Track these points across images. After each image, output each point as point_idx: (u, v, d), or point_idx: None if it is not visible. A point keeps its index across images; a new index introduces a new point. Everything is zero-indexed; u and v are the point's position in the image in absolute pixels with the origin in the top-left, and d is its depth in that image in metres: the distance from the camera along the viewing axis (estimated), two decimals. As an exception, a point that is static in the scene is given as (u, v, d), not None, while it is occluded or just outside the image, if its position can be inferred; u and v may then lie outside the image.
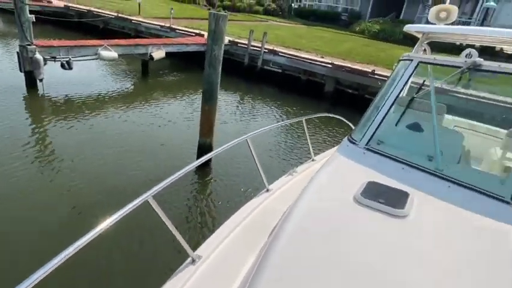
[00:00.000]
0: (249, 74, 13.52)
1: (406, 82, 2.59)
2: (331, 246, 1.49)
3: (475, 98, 9.36)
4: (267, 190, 2.74)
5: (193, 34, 15.33)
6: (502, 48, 3.36)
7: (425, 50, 3.54)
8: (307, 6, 33.96)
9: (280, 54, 13.08)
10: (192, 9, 25.60)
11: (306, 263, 1.42)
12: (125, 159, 6.00)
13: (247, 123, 9.13)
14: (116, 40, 11.01)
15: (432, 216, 1.73)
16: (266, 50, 13.17)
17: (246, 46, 13.53)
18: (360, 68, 11.81)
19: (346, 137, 2.55)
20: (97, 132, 7.03)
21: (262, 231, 2.15)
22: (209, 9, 28.33)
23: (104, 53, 9.51)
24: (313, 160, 3.49)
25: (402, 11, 27.08)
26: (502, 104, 9.24)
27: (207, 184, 5.62)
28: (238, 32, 16.86)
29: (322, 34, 20.71)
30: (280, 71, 13.22)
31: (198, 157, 5.90)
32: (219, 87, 5.57)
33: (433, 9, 3.03)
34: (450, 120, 4.68)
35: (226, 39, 14.09)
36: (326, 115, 4.01)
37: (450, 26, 2.80)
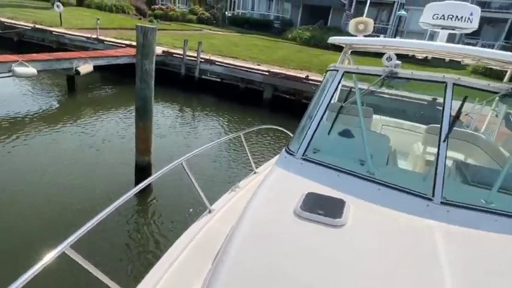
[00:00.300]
0: (186, 84, 13.25)
1: (335, 91, 2.73)
2: (274, 266, 1.48)
3: (399, 98, 10.37)
4: (209, 211, 2.67)
5: (124, 45, 14.58)
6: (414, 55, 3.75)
7: (349, 60, 3.78)
8: (240, 14, 34.56)
9: (217, 63, 13.06)
10: (122, 19, 24.37)
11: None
12: (53, 187, 5.41)
13: (188, 136, 8.91)
14: (34, 55, 9.96)
15: (366, 222, 1.82)
16: (203, 60, 13.05)
17: (181, 56, 13.25)
18: (295, 74, 12.31)
19: (284, 149, 2.59)
20: (15, 159, 6.25)
21: (207, 256, 2.07)
22: (140, 19, 27.27)
23: (20, 70, 8.53)
24: (255, 173, 3.49)
25: (329, 19, 29.05)
26: (421, 102, 10.38)
27: (147, 208, 5.31)
28: (172, 41, 16.47)
29: (257, 42, 21.19)
30: (218, 80, 13.20)
31: (137, 177, 5.56)
32: (154, 101, 5.33)
33: (352, 22, 3.26)
34: (378, 119, 5.07)
35: (160, 49, 13.68)
36: (265, 127, 4.04)
37: (369, 38, 3.02)
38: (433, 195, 1.98)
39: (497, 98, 3.86)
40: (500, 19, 25.34)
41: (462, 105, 2.26)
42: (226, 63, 13.09)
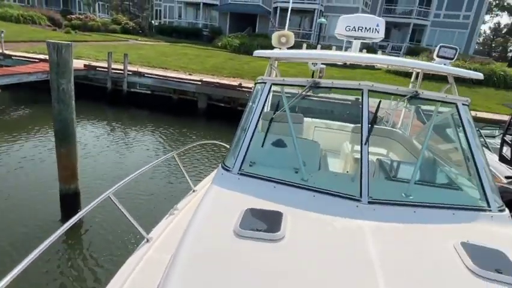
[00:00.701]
0: (114, 99, 12.48)
1: (264, 103, 2.79)
2: None
3: (327, 100, 11.06)
4: (147, 240, 2.52)
5: (37, 60, 13.18)
6: None
7: (276, 71, 3.91)
8: (167, 23, 33.76)
9: (146, 75, 12.54)
10: (32, 31, 22.01)
11: None
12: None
13: (120, 155, 8.35)
14: None
15: (303, 231, 1.87)
16: (130, 72, 12.42)
17: (106, 70, 12.44)
18: (228, 82, 12.41)
19: (220, 165, 2.56)
20: None
21: None
22: (54, 30, 24.96)
23: None
24: (193, 191, 3.41)
25: (257, 26, 29.94)
26: (346, 102, 11.20)
27: (80, 242, 4.81)
28: (95, 54, 15.40)
29: (187, 51, 20.89)
30: (149, 92, 12.69)
31: (63, 208, 5.03)
32: (78, 118, 4.89)
33: (274, 36, 3.38)
34: (310, 122, 5.33)
35: (81, 63, 12.67)
36: (198, 143, 3.96)
37: (291, 51, 3.16)
38: (361, 196, 2.13)
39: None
40: (404, 23, 28.80)
41: (377, 109, 2.49)
42: (157, 75, 12.66)
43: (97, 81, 12.71)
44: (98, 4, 39.19)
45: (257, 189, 2.25)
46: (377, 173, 2.85)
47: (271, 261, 1.63)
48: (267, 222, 1.85)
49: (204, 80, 12.37)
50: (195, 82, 12.19)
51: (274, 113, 3.08)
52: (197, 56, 18.97)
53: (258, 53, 3.39)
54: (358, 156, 4.14)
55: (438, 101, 2.69)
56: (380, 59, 2.88)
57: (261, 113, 2.71)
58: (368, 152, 2.36)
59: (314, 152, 2.93)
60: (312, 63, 4.56)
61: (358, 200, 2.12)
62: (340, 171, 3.87)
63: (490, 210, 2.17)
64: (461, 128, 2.64)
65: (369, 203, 2.10)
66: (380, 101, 2.59)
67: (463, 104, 2.60)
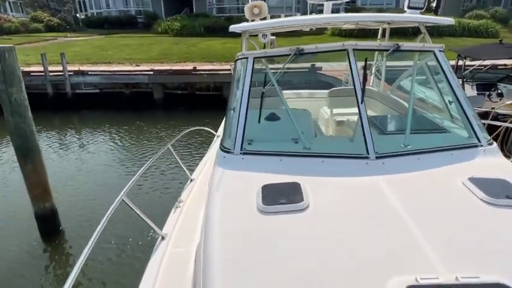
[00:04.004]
0: (59, 104, 11.41)
1: (251, 78, 2.70)
2: (270, 266, 1.42)
3: (286, 70, 11.12)
4: (163, 238, 2.41)
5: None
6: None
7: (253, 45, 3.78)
8: (95, 14, 31.03)
9: (90, 73, 11.57)
10: None
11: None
12: None
13: (80, 162, 7.72)
14: None
15: (326, 196, 1.89)
16: (71, 73, 11.36)
17: (43, 74, 11.24)
18: (181, 68, 11.89)
19: (218, 149, 2.48)
20: None
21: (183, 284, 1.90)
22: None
23: None
24: (191, 180, 3.29)
25: (193, 5, 28.64)
26: (303, 70, 11.32)
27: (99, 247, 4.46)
28: (23, 58, 13.77)
29: (126, 41, 19.53)
30: (97, 91, 11.77)
31: (41, 228, 4.60)
32: (37, 135, 4.40)
33: (246, 8, 3.24)
34: (290, 93, 5.32)
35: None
36: (187, 131, 3.78)
37: (265, 21, 3.06)
38: (368, 153, 2.19)
39: (376, 53, 4.47)
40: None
41: (365, 68, 2.51)
42: (102, 71, 11.74)
43: (35, 88, 11.44)
44: (9, 2, 34.71)
45: (264, 166, 2.22)
46: (371, 130, 2.94)
47: (305, 230, 1.63)
48: (287, 195, 1.84)
49: (155, 69, 11.73)
50: (146, 72, 11.52)
51: (264, 87, 3.01)
52: (140, 45, 17.84)
53: (233, 27, 3.24)
54: (340, 119, 4.25)
55: (417, 50, 2.81)
56: (363, 17, 2.90)
57: (250, 88, 2.63)
58: (366, 110, 2.40)
59: (307, 120, 2.93)
60: (262, 36, 4.48)
61: (366, 158, 2.17)
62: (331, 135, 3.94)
63: (482, 145, 2.35)
64: (439, 75, 2.79)
65: (377, 158, 2.17)
66: (366, 59, 2.63)
67: (440, 51, 2.72)
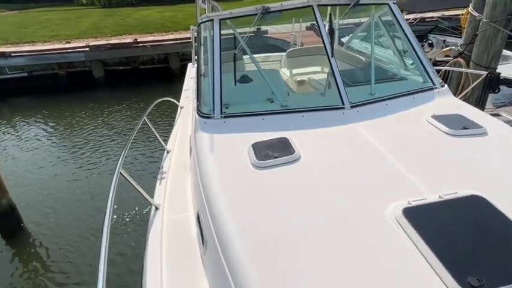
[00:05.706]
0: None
1: (220, 40, 2.67)
2: (282, 218, 1.51)
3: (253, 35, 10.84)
4: (156, 208, 2.40)
5: None
6: None
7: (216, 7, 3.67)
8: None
9: (13, 55, 10.22)
10: None
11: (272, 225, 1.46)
12: None
13: (29, 150, 7.05)
14: None
15: (314, 147, 2.05)
16: (-11, 56, 9.95)
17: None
18: (120, 42, 11.03)
19: (196, 115, 2.48)
20: None
21: (192, 248, 1.93)
22: None
23: None
24: (168, 152, 3.25)
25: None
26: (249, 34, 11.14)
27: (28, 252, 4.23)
28: None
29: (49, 16, 17.38)
30: (26, 74, 10.50)
31: (1, 228, 4.25)
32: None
33: None
34: (245, 58, 5.30)
35: None
36: (160, 100, 3.60)
37: None
38: (343, 104, 2.38)
39: (337, 13, 4.54)
40: None
41: (331, 23, 2.62)
42: (28, 51, 10.44)
43: None
44: None
45: (248, 126, 2.30)
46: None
47: (303, 177, 1.76)
48: (278, 149, 1.95)
49: (90, 44, 10.73)
50: (81, 49, 10.49)
51: (234, 50, 2.98)
52: (65, 20, 16.02)
53: None
54: (300, 78, 4.39)
55: (374, 4, 2.99)
56: None
57: (220, 50, 2.61)
58: (337, 63, 2.54)
59: (278, 79, 3.02)
60: (203, 2, 4.35)
61: (342, 108, 2.37)
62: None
63: (436, 88, 2.68)
64: (392, 26, 3.01)
65: (352, 107, 2.37)
66: (330, 14, 2.72)
67: (393, 3, 2.93)
